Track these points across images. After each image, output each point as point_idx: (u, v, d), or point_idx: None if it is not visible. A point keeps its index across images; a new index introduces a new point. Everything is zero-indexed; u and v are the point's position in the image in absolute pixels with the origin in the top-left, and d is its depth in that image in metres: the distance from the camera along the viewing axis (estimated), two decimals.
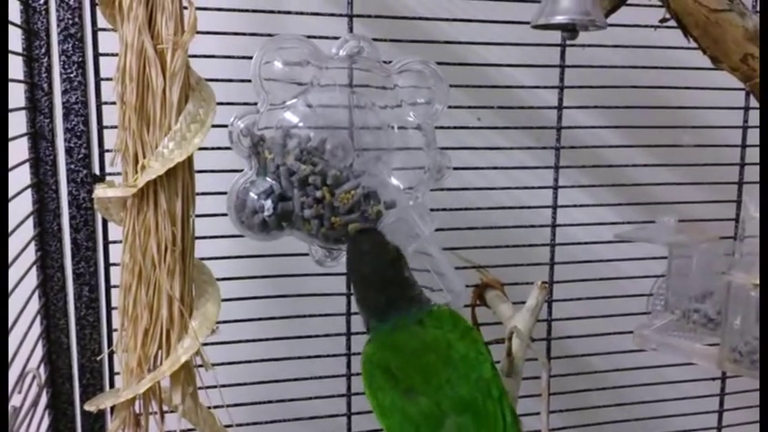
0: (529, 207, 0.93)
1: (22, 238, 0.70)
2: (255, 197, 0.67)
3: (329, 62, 0.69)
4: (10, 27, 0.64)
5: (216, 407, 0.70)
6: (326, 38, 0.76)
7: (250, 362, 0.83)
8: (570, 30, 0.69)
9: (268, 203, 0.67)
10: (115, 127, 0.63)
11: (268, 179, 0.67)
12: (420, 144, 0.71)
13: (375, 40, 0.74)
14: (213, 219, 0.76)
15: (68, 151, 0.75)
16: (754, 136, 0.95)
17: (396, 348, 0.64)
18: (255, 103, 0.69)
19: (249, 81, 0.68)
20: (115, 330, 0.76)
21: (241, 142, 0.69)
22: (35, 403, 0.68)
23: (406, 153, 0.71)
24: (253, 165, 0.69)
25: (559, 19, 0.66)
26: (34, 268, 0.75)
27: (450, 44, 0.91)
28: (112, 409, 0.67)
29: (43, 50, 0.73)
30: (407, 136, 0.71)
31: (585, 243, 0.95)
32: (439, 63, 0.85)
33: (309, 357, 0.87)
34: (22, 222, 0.71)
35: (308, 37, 0.75)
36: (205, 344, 0.64)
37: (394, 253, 0.65)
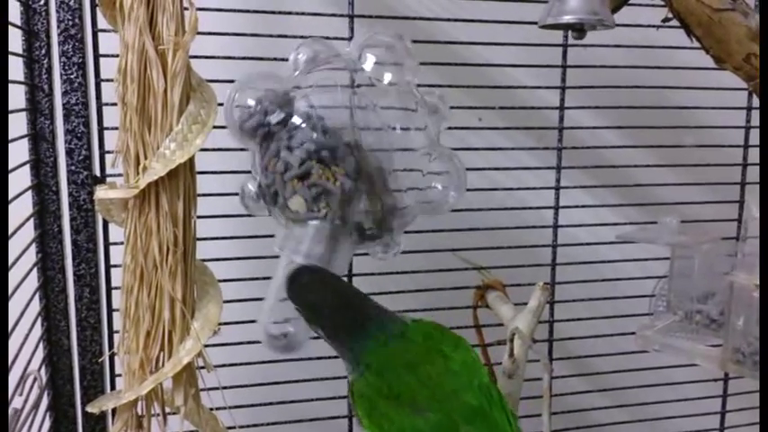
0: (530, 208, 0.93)
1: (22, 239, 0.70)
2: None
3: (293, 89, 0.68)
4: (10, 28, 0.64)
5: (218, 408, 0.70)
6: (327, 38, 0.75)
7: (252, 363, 0.83)
8: (578, 29, 0.68)
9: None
10: (116, 128, 0.63)
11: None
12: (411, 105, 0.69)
13: None
14: (215, 220, 0.76)
15: (69, 153, 0.75)
16: (756, 136, 0.95)
17: (390, 369, 0.59)
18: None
19: None
20: (116, 332, 0.75)
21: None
22: (36, 405, 0.68)
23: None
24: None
25: (567, 19, 0.65)
26: (35, 270, 0.75)
27: (452, 44, 0.91)
28: (114, 411, 0.67)
29: (43, 51, 0.73)
30: (409, 137, 0.70)
31: (587, 244, 0.94)
32: (440, 63, 0.85)
33: (311, 359, 0.87)
34: (22, 224, 0.71)
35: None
36: (207, 345, 0.64)
37: (331, 274, 0.63)
